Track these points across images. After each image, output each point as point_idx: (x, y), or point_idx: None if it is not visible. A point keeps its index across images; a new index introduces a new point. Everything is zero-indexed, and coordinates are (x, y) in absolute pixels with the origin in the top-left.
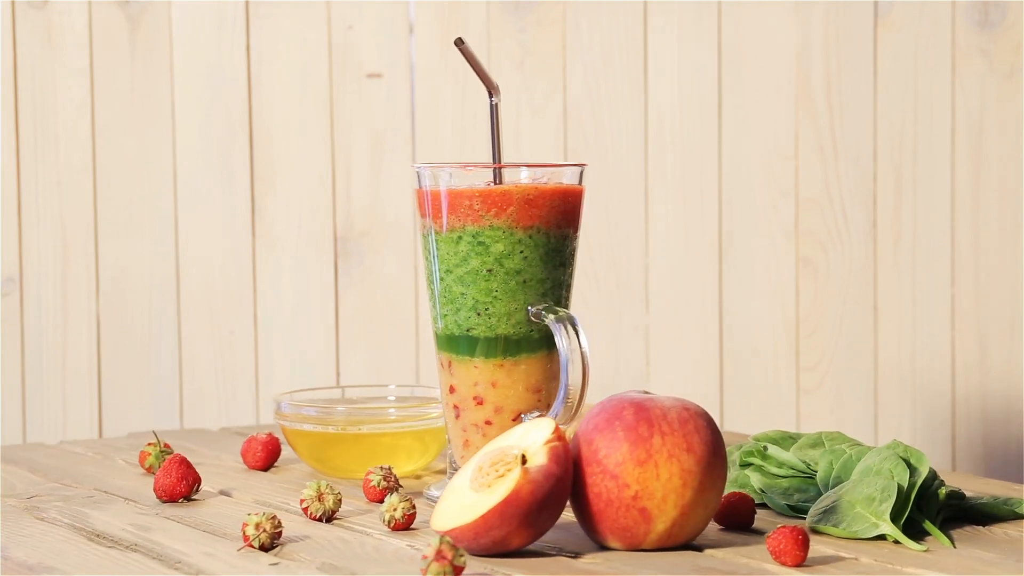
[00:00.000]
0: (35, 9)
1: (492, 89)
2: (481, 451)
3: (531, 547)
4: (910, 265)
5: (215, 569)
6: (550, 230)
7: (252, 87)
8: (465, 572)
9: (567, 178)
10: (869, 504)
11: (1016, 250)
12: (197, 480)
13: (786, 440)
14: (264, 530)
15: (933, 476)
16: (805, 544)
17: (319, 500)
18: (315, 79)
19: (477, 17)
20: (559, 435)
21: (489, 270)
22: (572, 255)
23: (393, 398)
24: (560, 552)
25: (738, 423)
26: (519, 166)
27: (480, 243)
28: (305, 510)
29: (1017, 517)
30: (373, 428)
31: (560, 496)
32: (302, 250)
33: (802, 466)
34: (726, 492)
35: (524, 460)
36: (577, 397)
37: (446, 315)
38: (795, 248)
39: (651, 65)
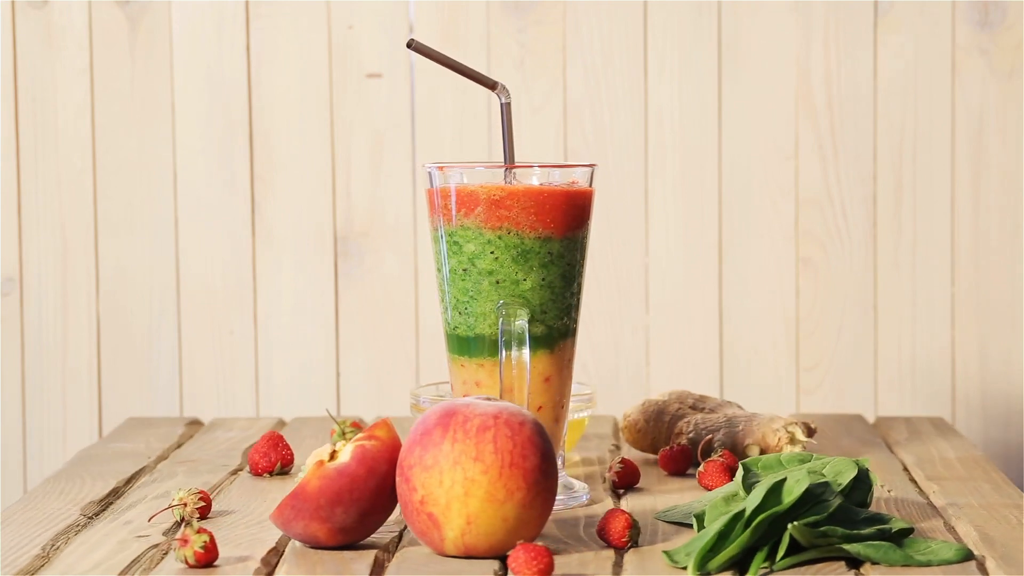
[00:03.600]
0: (35, 9)
1: (491, 86)
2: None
3: (368, 541)
4: (910, 265)
5: (94, 531)
6: (522, 231)
7: (252, 87)
8: (229, 555)
9: (569, 179)
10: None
11: (1016, 250)
12: (282, 458)
13: (792, 461)
14: (185, 504)
15: (809, 506)
16: (539, 562)
17: None
18: (315, 79)
19: (477, 17)
20: (371, 435)
21: (464, 270)
22: (559, 257)
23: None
24: (375, 548)
25: None
26: (520, 167)
27: (455, 243)
28: None
29: (918, 564)
30: None
31: (363, 494)
32: (302, 250)
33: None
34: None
35: (333, 456)
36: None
37: (442, 313)
38: (795, 248)
39: (651, 65)
